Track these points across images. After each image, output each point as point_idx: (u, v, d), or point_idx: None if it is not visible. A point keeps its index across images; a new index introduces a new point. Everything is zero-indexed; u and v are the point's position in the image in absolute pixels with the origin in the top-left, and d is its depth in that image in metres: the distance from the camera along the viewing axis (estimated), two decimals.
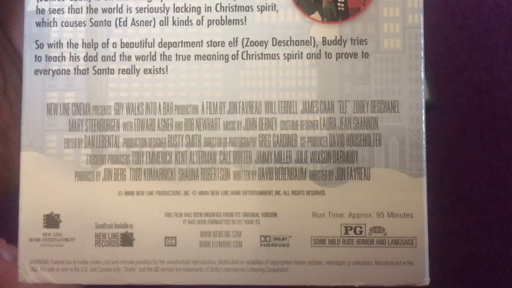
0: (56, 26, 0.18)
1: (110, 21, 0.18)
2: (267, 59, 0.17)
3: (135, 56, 0.17)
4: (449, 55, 0.40)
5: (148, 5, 0.18)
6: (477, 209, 0.35)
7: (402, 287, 0.17)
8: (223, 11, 0.18)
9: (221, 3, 0.18)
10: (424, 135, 0.17)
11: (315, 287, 0.17)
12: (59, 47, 0.18)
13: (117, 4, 0.18)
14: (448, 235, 0.34)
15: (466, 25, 0.41)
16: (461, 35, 0.41)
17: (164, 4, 0.18)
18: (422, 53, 0.17)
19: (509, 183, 0.36)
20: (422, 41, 0.17)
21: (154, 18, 0.18)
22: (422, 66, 0.17)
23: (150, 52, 0.18)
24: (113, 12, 0.18)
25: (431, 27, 0.40)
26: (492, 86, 0.39)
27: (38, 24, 0.18)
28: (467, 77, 0.39)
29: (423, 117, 0.17)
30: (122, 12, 0.18)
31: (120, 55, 0.18)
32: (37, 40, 0.18)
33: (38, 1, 0.18)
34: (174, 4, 0.18)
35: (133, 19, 0.18)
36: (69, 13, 0.18)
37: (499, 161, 0.36)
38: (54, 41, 0.18)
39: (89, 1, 0.18)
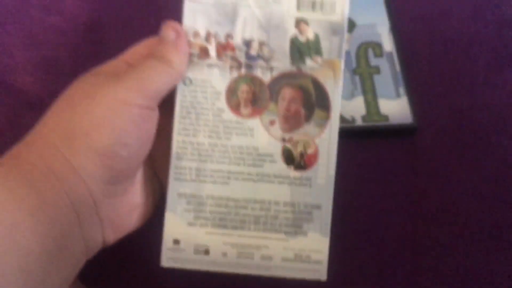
0: None
1: None
2: None
3: None
4: (432, 79, 0.42)
5: None
6: (460, 222, 0.37)
7: None
8: None
9: None
10: None
11: None
12: None
13: None
14: (433, 246, 0.36)
15: (448, 52, 0.43)
16: (443, 61, 0.43)
17: None
18: None
19: (490, 198, 0.38)
20: None
21: None
22: None
23: None
24: None
25: (415, 54, 0.43)
26: (473, 109, 0.41)
27: None
28: (449, 100, 0.42)
29: None
30: None
31: None
32: None
33: None
34: None
35: None
36: None
37: (481, 178, 0.39)
38: None
39: None
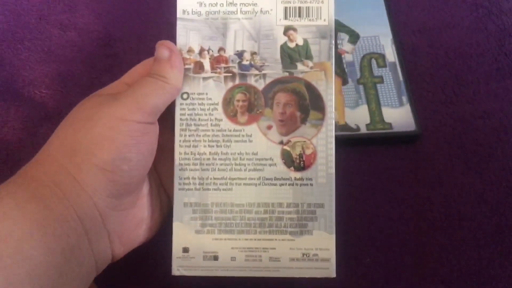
0: None
1: None
2: None
3: None
4: (434, 88, 0.43)
5: None
6: (463, 227, 0.37)
7: None
8: None
9: None
10: None
11: None
12: None
13: None
14: (437, 251, 0.36)
15: (449, 61, 0.44)
16: (445, 71, 0.44)
17: None
18: None
19: (492, 204, 0.38)
20: None
21: None
22: None
23: None
24: None
25: (417, 64, 0.44)
26: (475, 116, 0.42)
27: None
28: (451, 108, 0.42)
29: None
30: None
31: None
32: None
33: None
34: None
35: None
36: None
37: (483, 184, 0.39)
38: None
39: None
